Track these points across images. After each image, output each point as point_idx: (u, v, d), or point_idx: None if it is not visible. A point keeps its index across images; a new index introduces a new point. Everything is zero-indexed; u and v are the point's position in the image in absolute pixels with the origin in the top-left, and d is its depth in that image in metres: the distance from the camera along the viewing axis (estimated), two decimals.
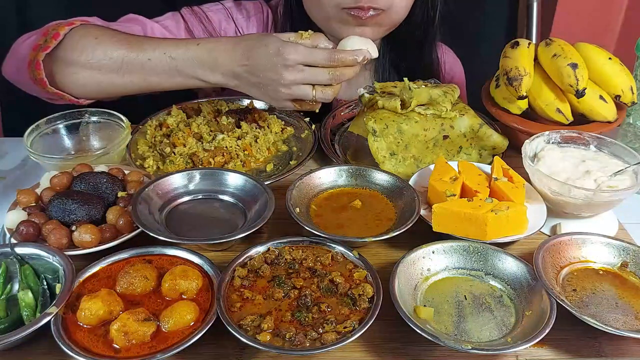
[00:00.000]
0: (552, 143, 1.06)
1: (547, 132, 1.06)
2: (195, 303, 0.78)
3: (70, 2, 1.59)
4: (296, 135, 1.22)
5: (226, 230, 0.91)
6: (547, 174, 0.95)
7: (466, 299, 0.83)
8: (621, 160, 1.02)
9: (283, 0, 1.30)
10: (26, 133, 1.07)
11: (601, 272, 0.88)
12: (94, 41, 1.06)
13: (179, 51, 1.05)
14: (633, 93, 1.10)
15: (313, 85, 1.01)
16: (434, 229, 0.90)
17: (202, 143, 1.12)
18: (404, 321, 0.74)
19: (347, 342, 0.71)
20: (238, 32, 1.30)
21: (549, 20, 2.00)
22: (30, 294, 0.78)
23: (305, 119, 1.24)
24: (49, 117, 1.11)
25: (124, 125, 1.11)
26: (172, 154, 1.10)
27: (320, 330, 0.74)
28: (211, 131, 1.15)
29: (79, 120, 1.13)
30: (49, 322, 0.73)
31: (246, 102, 1.27)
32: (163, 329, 0.75)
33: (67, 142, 1.13)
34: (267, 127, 1.20)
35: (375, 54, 1.04)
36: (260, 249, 0.86)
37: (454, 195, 0.92)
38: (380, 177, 1.01)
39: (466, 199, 0.92)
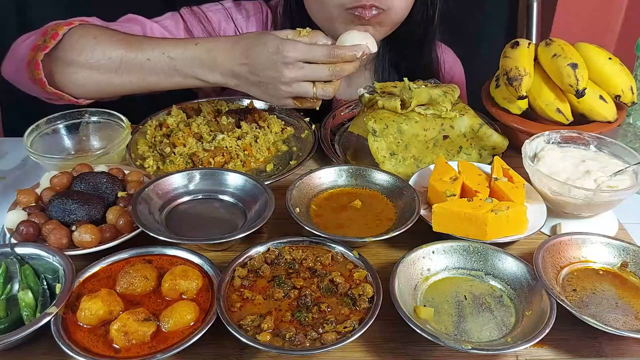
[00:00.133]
0: (552, 143, 1.06)
1: (547, 132, 1.06)
2: (195, 303, 0.78)
3: (70, 2, 1.59)
4: (296, 135, 1.22)
5: (226, 230, 0.91)
6: (547, 174, 0.95)
7: (466, 299, 0.83)
8: (621, 160, 1.02)
9: (283, 1, 1.30)
10: (26, 133, 1.07)
11: (601, 272, 0.88)
12: (93, 41, 1.06)
13: (178, 51, 1.05)
14: (633, 93, 1.10)
15: (313, 82, 1.01)
16: (434, 229, 0.90)
17: (202, 143, 1.12)
18: (404, 321, 0.74)
19: (347, 342, 0.71)
20: (237, 32, 1.30)
21: (549, 20, 2.00)
22: (30, 294, 0.78)
23: (305, 119, 1.24)
24: (49, 117, 1.11)
25: (124, 125, 1.11)
26: (172, 154, 1.10)
27: (320, 330, 0.74)
28: (211, 131, 1.15)
29: (79, 120, 1.13)
30: (49, 322, 0.73)
31: (246, 102, 1.27)
32: (163, 329, 0.75)
33: (67, 142, 1.13)
34: (267, 127, 1.20)
35: (374, 48, 1.04)
36: (260, 249, 0.86)
37: (454, 195, 0.92)
38: (380, 177, 1.01)
39: (466, 199, 0.92)
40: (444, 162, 1.01)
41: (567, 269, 0.87)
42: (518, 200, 0.92)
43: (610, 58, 1.11)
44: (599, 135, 1.06)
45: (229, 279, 0.81)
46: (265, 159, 1.14)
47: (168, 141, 1.13)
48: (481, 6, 1.97)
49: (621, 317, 0.80)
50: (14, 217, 0.90)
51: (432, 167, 1.02)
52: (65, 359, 0.71)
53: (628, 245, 0.89)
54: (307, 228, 0.88)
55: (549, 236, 0.94)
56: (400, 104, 1.07)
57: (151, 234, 0.85)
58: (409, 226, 0.89)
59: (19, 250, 0.83)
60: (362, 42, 1.02)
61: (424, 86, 1.12)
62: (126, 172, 1.01)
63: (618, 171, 0.97)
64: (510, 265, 0.86)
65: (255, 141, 1.15)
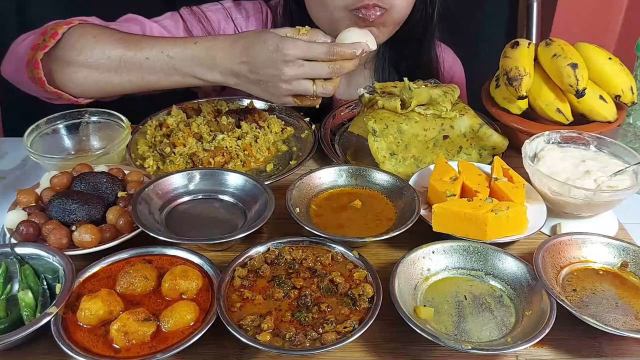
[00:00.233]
0: (552, 143, 1.06)
1: (547, 132, 1.06)
2: (195, 303, 0.78)
3: (69, 2, 1.59)
4: (296, 135, 1.22)
5: (226, 230, 0.91)
6: (547, 174, 0.95)
7: (466, 299, 0.83)
8: (621, 160, 1.02)
9: (282, 0, 1.29)
10: (26, 133, 1.06)
11: (601, 272, 0.88)
12: (92, 40, 1.06)
13: (177, 50, 1.05)
14: (633, 93, 1.10)
15: (313, 80, 1.01)
16: (434, 229, 0.90)
17: (202, 143, 1.12)
18: (404, 321, 0.74)
19: (347, 342, 0.71)
20: (237, 32, 1.30)
21: (549, 20, 2.00)
22: (30, 294, 0.78)
23: (305, 119, 1.24)
24: (49, 117, 1.11)
25: (124, 125, 1.11)
26: (172, 154, 1.10)
27: (320, 330, 0.74)
28: (211, 131, 1.15)
29: (79, 120, 1.13)
30: (49, 322, 0.73)
31: (246, 102, 1.27)
32: (163, 329, 0.75)
33: (67, 142, 1.13)
34: (267, 127, 1.20)
35: (373, 46, 1.04)
36: (260, 249, 0.86)
37: (454, 195, 0.92)
38: (380, 177, 1.01)
39: (466, 199, 0.92)
40: (444, 162, 1.01)
41: (567, 269, 0.87)
42: (518, 200, 0.92)
43: (610, 58, 1.11)
44: (599, 135, 1.06)
45: (229, 279, 0.81)
46: (265, 159, 1.14)
47: (168, 141, 1.13)
48: (481, 6, 1.97)
49: (621, 317, 0.80)
50: (14, 217, 0.90)
51: (432, 167, 1.02)
52: (65, 359, 0.71)
53: (628, 245, 0.89)
54: (307, 228, 0.88)
55: (549, 236, 0.94)
56: (400, 104, 1.07)
57: (151, 234, 0.85)
58: (409, 226, 0.89)
59: (19, 250, 0.83)
60: (362, 39, 1.02)
61: (424, 86, 1.12)
62: (126, 172, 1.01)
63: (618, 171, 0.97)
64: (510, 265, 0.86)
65: (255, 141, 1.15)
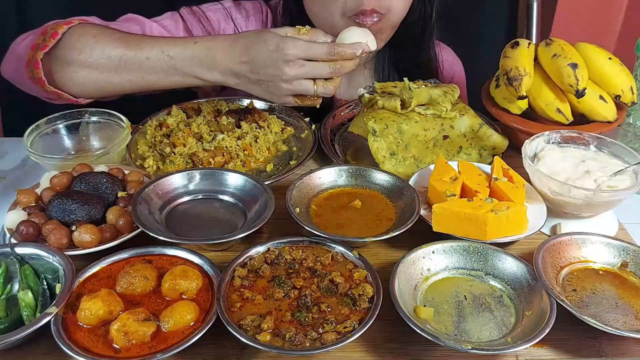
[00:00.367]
0: (552, 143, 1.06)
1: (547, 132, 1.06)
2: (195, 303, 0.78)
3: (69, 2, 1.59)
4: (296, 135, 1.22)
5: (226, 230, 0.91)
6: (547, 174, 0.95)
7: (466, 299, 0.83)
8: (621, 160, 1.02)
9: (282, 0, 1.29)
10: (26, 133, 1.06)
11: (601, 272, 0.88)
12: (92, 40, 1.06)
13: (177, 49, 1.05)
14: (633, 93, 1.10)
15: (314, 80, 1.01)
16: (434, 229, 0.90)
17: (202, 143, 1.12)
18: (404, 321, 0.74)
19: (347, 342, 0.71)
20: (237, 32, 1.30)
21: (549, 20, 2.00)
22: (30, 294, 0.78)
23: (305, 119, 1.24)
24: (49, 117, 1.11)
25: (124, 125, 1.11)
26: (172, 154, 1.10)
27: (320, 330, 0.74)
28: (211, 131, 1.15)
29: (79, 120, 1.13)
30: (49, 322, 0.73)
31: (246, 102, 1.27)
32: (163, 329, 0.75)
33: (67, 142, 1.13)
34: (267, 127, 1.20)
35: (373, 46, 1.04)
36: (260, 249, 0.86)
37: (454, 195, 0.92)
38: (380, 177, 1.01)
39: (466, 199, 0.92)
40: (444, 162, 1.01)
41: (567, 269, 0.87)
42: (518, 200, 0.92)
43: (610, 58, 1.11)
44: (599, 135, 1.06)
45: (229, 279, 0.81)
46: (265, 159, 1.14)
47: (168, 141, 1.13)
48: (481, 6, 1.97)
49: (621, 317, 0.80)
50: (14, 217, 0.90)
51: (432, 167, 1.02)
52: (65, 359, 0.71)
53: (628, 245, 0.89)
54: (307, 228, 0.88)
55: (549, 236, 0.94)
56: (400, 104, 1.07)
57: (151, 234, 0.85)
58: (409, 226, 0.89)
59: (19, 250, 0.83)
60: (362, 39, 1.02)
61: (424, 86, 1.12)
62: (126, 172, 1.01)
63: (618, 171, 0.97)
64: (510, 265, 0.86)
65: (255, 141, 1.15)
